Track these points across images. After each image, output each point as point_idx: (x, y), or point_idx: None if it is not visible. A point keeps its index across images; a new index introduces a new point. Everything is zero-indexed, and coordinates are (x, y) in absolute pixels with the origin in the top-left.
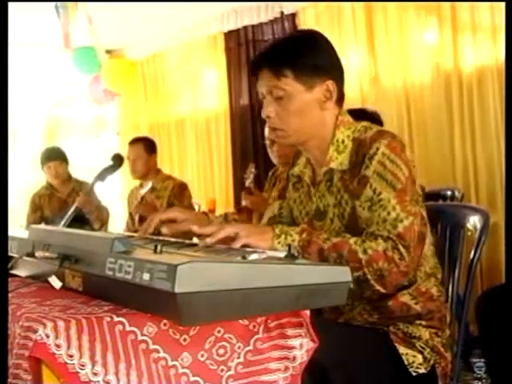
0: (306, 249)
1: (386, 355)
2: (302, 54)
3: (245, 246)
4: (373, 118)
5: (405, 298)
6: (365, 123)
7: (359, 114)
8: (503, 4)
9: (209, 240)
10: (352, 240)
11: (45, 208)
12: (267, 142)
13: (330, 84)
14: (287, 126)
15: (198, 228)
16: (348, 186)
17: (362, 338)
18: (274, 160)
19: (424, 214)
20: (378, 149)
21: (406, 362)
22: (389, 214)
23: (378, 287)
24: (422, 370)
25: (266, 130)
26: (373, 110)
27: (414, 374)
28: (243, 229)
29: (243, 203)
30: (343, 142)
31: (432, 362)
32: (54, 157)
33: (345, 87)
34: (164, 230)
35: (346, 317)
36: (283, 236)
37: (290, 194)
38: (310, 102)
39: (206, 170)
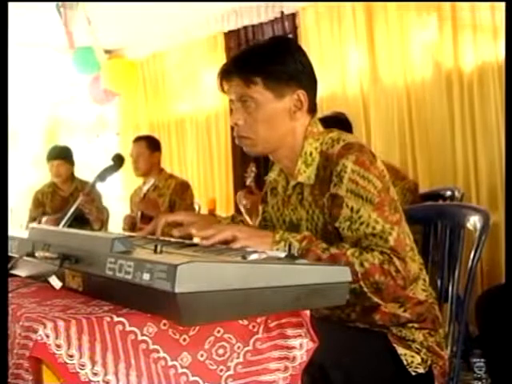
0: (304, 257)
1: (386, 355)
2: (273, 62)
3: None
4: (344, 121)
5: (391, 307)
6: (332, 134)
7: (334, 120)
8: (503, 4)
9: (205, 242)
10: (349, 252)
11: (47, 205)
12: None
13: (301, 94)
14: (255, 134)
15: (196, 231)
16: (318, 202)
17: (362, 339)
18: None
19: (403, 216)
20: (345, 166)
21: (405, 362)
22: (374, 228)
23: (377, 299)
24: (421, 370)
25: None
26: (341, 113)
27: (414, 373)
28: (243, 231)
29: (241, 204)
30: (311, 154)
31: (429, 362)
32: (57, 155)
33: (347, 88)
34: (175, 232)
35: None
36: (283, 243)
37: (269, 199)
38: (279, 111)
39: (206, 170)
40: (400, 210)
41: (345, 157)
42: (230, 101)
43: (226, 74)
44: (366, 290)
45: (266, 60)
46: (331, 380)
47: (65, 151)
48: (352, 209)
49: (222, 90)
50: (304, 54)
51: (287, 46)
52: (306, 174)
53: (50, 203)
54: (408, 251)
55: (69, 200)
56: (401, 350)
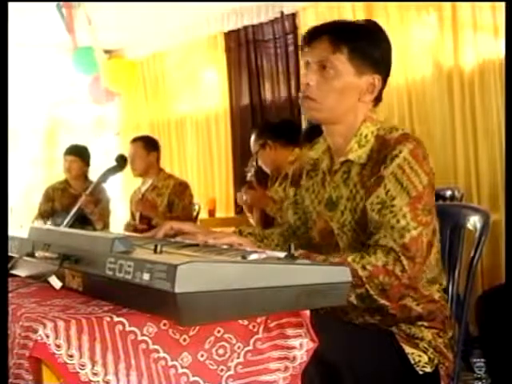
0: None
1: (394, 354)
2: (364, 39)
3: None
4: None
5: (405, 300)
6: (391, 124)
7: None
8: (503, 4)
9: (212, 241)
10: (350, 258)
11: (56, 201)
12: (252, 151)
13: (377, 79)
14: (323, 100)
15: (203, 237)
16: (365, 183)
17: (371, 338)
18: (263, 166)
19: (436, 222)
20: (400, 151)
21: (412, 361)
22: (398, 221)
23: (383, 301)
24: (428, 369)
25: (252, 138)
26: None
27: (421, 372)
28: (248, 243)
29: (241, 200)
30: (366, 136)
31: (436, 361)
32: (72, 151)
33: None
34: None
35: (346, 318)
36: None
37: (304, 182)
38: (353, 87)
39: (206, 170)
40: (434, 215)
41: (402, 143)
42: (306, 62)
43: (316, 32)
44: (372, 292)
45: (358, 35)
46: (342, 378)
47: (81, 149)
48: (388, 192)
49: (302, 48)
50: (390, 46)
51: (381, 32)
52: (356, 153)
53: (59, 199)
54: (435, 253)
55: (79, 199)
56: (408, 349)
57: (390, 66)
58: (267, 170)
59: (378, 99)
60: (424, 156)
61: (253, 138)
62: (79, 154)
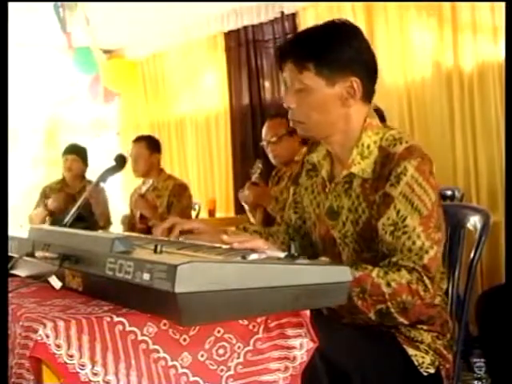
0: None
1: (398, 356)
2: (327, 48)
3: None
4: (381, 115)
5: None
6: (393, 132)
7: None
8: (503, 4)
9: (236, 245)
10: (374, 273)
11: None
12: (264, 143)
13: (354, 81)
14: (308, 119)
15: (228, 238)
16: (368, 196)
17: (376, 340)
18: (272, 160)
19: (444, 235)
20: (406, 168)
21: (416, 363)
22: (414, 243)
23: (402, 319)
24: (432, 371)
25: (264, 131)
26: (378, 107)
27: (425, 374)
28: (274, 247)
29: (243, 199)
30: (369, 147)
31: (437, 363)
32: (73, 151)
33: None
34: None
35: (346, 320)
36: None
37: (303, 180)
38: (330, 98)
39: (206, 170)
40: (443, 229)
41: (407, 160)
42: (284, 81)
43: (281, 57)
44: (392, 310)
45: (321, 46)
46: (351, 380)
47: (81, 149)
48: (398, 212)
49: (281, 69)
50: (363, 41)
51: (344, 31)
52: (360, 166)
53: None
54: (439, 265)
55: (75, 197)
56: (411, 351)
57: (368, 62)
58: (277, 162)
59: (368, 98)
60: (430, 171)
61: (274, 123)
62: (80, 153)
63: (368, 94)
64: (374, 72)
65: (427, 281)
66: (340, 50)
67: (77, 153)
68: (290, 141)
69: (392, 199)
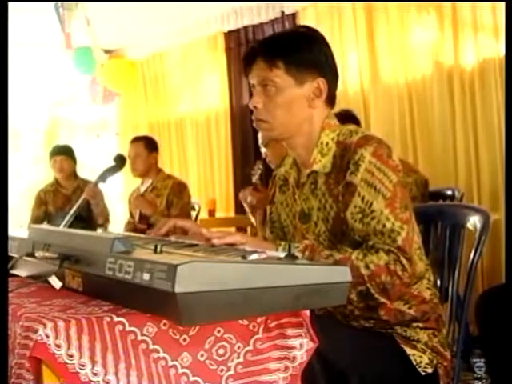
0: None
1: (396, 356)
2: (297, 49)
3: None
4: (354, 118)
5: (396, 304)
6: (351, 127)
7: (345, 116)
8: (503, 4)
9: (216, 241)
10: (354, 255)
11: (49, 203)
12: (260, 145)
13: (321, 82)
14: (273, 118)
15: (207, 231)
16: (332, 190)
17: (373, 340)
18: (270, 164)
19: (413, 214)
20: (363, 155)
21: (414, 363)
22: (384, 226)
23: (383, 299)
24: (430, 370)
25: (259, 135)
26: (349, 110)
27: (424, 373)
28: (251, 240)
29: (245, 202)
30: (327, 144)
31: (435, 362)
32: (61, 151)
33: (348, 88)
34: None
35: (342, 322)
36: None
37: (277, 197)
38: (298, 97)
39: (206, 170)
40: (410, 208)
41: (363, 147)
42: (252, 85)
43: (250, 56)
44: (372, 291)
45: (291, 46)
46: (348, 381)
47: (67, 148)
48: (363, 199)
49: (246, 74)
50: (328, 47)
51: (314, 35)
52: (321, 163)
53: (52, 202)
54: (416, 249)
55: (71, 198)
56: (409, 351)
57: (333, 66)
58: (272, 165)
59: (331, 102)
60: (388, 154)
61: None
62: (67, 152)
63: (331, 98)
64: (337, 78)
65: (404, 261)
66: (309, 51)
67: (64, 153)
68: (283, 145)
69: (355, 187)
